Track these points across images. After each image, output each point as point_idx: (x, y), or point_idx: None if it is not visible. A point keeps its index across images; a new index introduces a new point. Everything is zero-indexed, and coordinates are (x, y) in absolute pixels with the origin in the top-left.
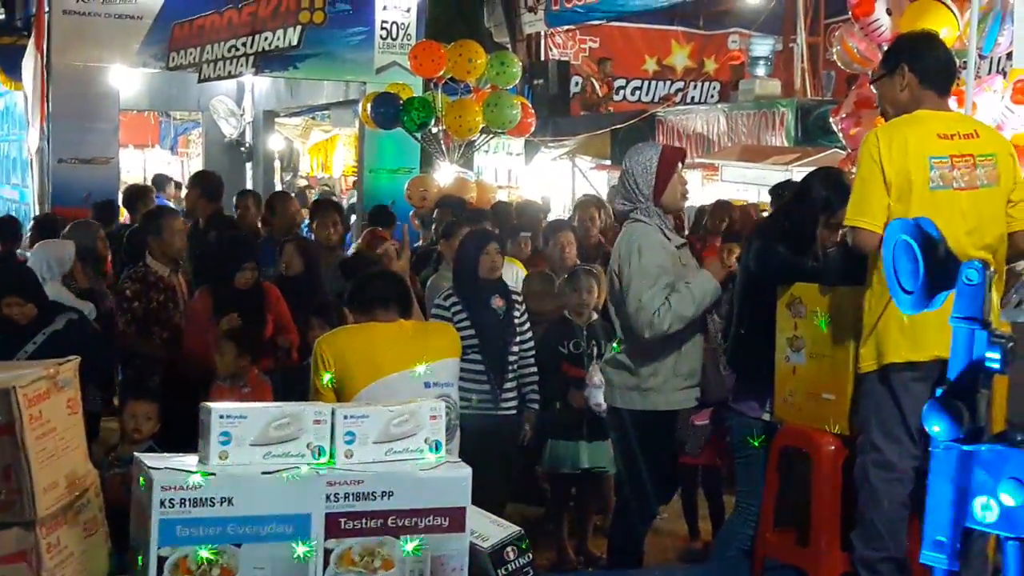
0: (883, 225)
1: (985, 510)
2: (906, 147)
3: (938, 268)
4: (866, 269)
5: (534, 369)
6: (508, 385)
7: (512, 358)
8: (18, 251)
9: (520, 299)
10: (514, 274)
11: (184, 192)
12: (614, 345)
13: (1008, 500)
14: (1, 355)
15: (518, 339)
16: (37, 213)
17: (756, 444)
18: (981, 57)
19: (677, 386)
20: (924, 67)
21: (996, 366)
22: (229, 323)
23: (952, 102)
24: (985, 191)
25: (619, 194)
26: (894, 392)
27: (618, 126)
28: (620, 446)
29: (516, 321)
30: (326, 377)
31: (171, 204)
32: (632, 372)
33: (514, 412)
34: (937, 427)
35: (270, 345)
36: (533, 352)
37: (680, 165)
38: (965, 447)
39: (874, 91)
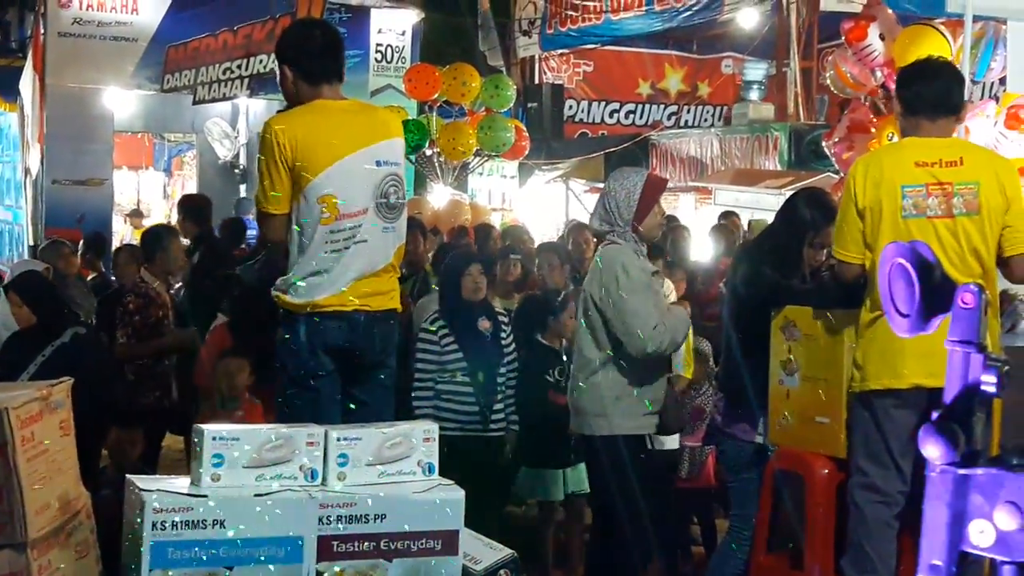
0: (859, 255)
1: (981, 534)
2: (880, 176)
3: (934, 291)
4: (858, 292)
5: (513, 391)
6: (497, 407)
7: (499, 379)
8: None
9: (507, 320)
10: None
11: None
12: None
13: (1004, 524)
14: (13, 369)
15: (505, 360)
16: (30, 234)
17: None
18: (974, 82)
19: (641, 411)
20: (904, 98)
21: (992, 390)
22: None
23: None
24: (964, 219)
25: (597, 214)
26: (876, 418)
27: (611, 149)
28: (591, 473)
29: (503, 343)
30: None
31: None
32: (598, 398)
33: (502, 434)
34: (933, 450)
35: None
36: (516, 374)
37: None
38: (961, 471)
39: None
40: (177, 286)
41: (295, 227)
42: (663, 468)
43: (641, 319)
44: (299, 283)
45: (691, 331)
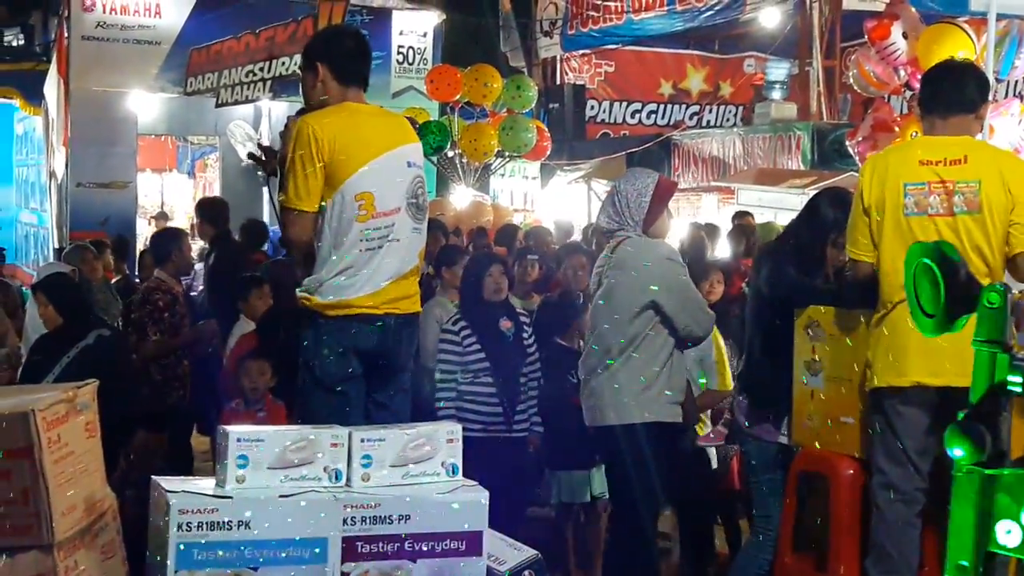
0: (870, 254)
1: (1008, 534)
2: (886, 174)
3: (959, 291)
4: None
5: (536, 392)
6: (520, 407)
7: (522, 380)
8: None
9: (528, 321)
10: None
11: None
12: (610, 359)
13: None
14: (38, 370)
15: (527, 360)
16: (55, 237)
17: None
18: (998, 81)
19: (670, 399)
20: (921, 99)
21: (1018, 389)
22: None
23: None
24: (965, 217)
25: (606, 212)
26: (887, 416)
27: (633, 150)
28: (609, 465)
29: (525, 343)
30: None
31: None
32: (618, 388)
33: (526, 434)
34: (959, 451)
35: None
36: (539, 375)
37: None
38: (987, 471)
39: None
40: (199, 289)
41: (327, 225)
42: (698, 463)
43: (702, 304)
44: (330, 282)
45: (723, 343)
